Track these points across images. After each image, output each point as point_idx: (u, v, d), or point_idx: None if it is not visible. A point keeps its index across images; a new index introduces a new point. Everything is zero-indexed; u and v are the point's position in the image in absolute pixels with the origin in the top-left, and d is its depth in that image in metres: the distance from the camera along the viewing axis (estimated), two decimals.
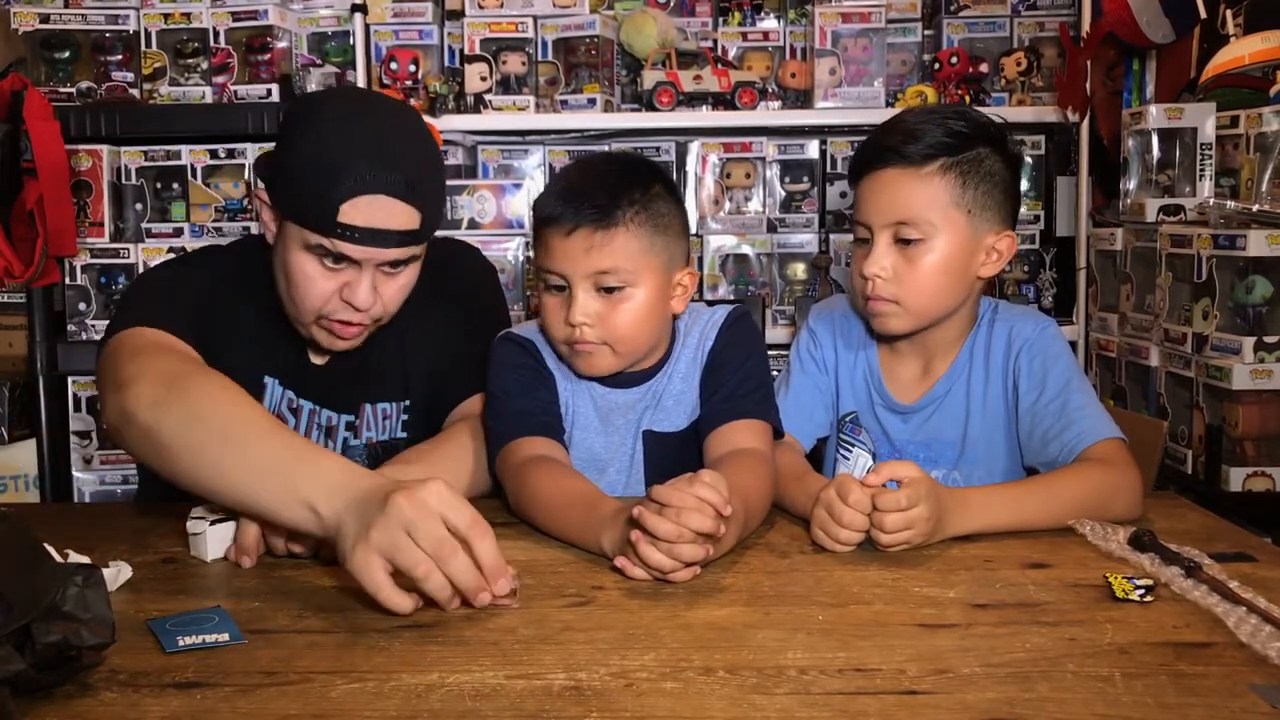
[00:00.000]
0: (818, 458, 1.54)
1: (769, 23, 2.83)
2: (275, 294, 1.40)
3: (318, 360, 1.47)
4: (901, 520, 1.14)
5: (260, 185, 1.36)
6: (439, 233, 1.41)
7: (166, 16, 2.61)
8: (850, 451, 1.49)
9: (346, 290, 1.32)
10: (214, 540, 1.16)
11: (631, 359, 1.38)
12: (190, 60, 2.62)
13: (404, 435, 1.48)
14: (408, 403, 1.49)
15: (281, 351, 1.46)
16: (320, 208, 1.27)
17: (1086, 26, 2.58)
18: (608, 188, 1.32)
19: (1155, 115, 2.32)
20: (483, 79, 2.64)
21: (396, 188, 1.28)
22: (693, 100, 2.64)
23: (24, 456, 2.56)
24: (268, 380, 1.46)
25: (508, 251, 2.64)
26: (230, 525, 1.16)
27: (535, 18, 2.66)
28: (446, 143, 2.72)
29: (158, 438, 1.11)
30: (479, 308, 1.54)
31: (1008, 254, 1.41)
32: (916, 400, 1.46)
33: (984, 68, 2.66)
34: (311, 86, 2.59)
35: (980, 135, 1.38)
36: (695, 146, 2.78)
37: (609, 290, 1.32)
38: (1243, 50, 2.32)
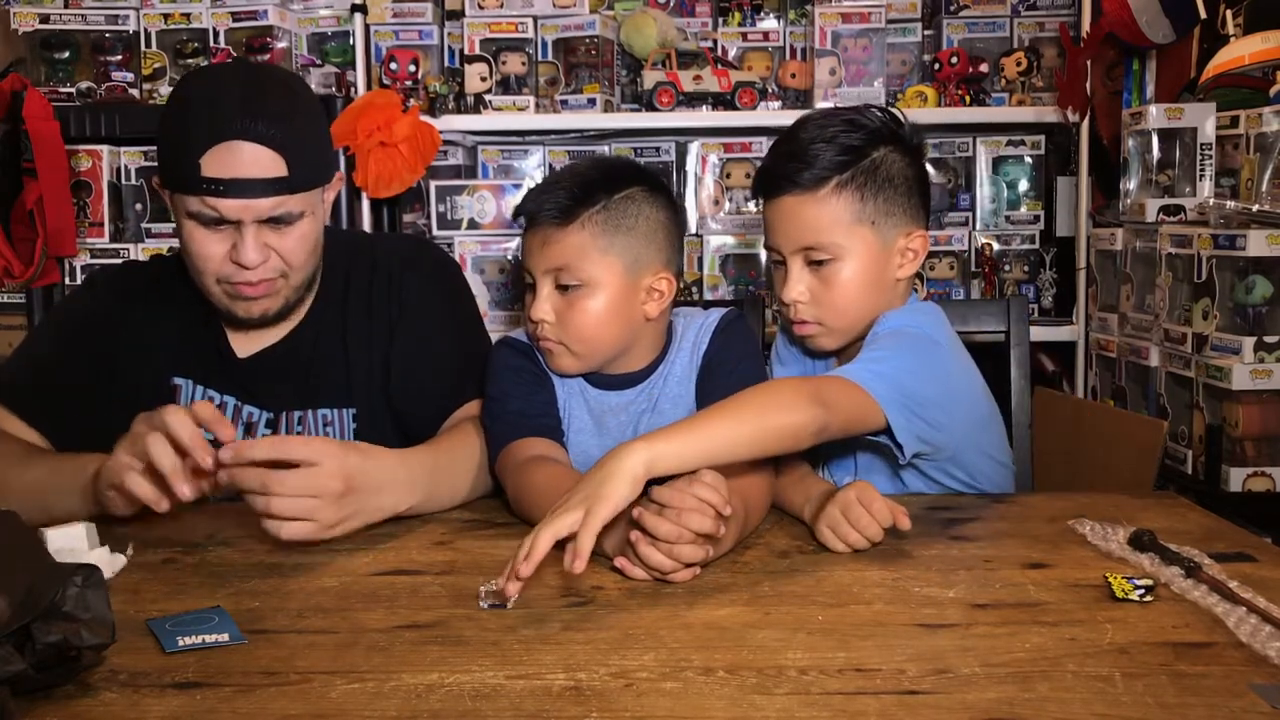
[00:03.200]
0: None
1: (769, 23, 2.83)
2: (193, 291, 1.41)
3: (242, 352, 1.46)
4: (868, 527, 1.16)
5: (155, 177, 1.40)
6: (394, 231, 1.42)
7: (166, 16, 2.61)
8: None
9: (234, 251, 1.32)
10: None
11: (595, 360, 1.38)
12: (190, 60, 2.62)
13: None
14: (354, 410, 1.46)
15: (198, 349, 1.45)
16: (185, 167, 1.29)
17: (1086, 26, 2.57)
18: (576, 187, 1.34)
19: (1155, 115, 2.32)
20: (483, 79, 2.64)
21: (254, 134, 1.28)
22: (693, 100, 2.64)
23: None
24: (180, 381, 1.45)
25: (508, 251, 2.64)
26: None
27: (535, 18, 2.66)
28: (446, 143, 2.72)
29: None
30: (443, 309, 1.52)
31: (922, 252, 1.41)
32: None
33: (984, 68, 2.66)
34: (311, 87, 2.59)
35: (875, 139, 1.37)
36: (695, 146, 2.78)
37: (567, 289, 1.33)
38: (1243, 50, 2.33)
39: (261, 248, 1.32)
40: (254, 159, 1.29)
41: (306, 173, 1.34)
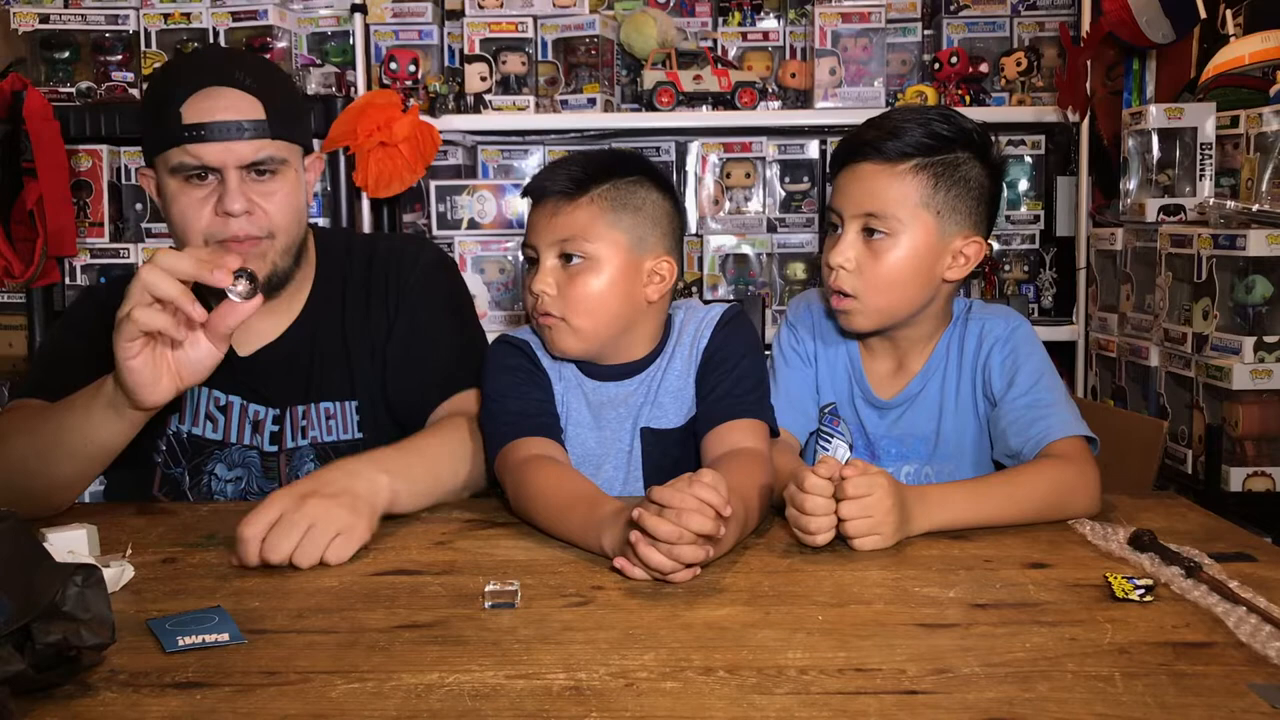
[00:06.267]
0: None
1: (769, 23, 2.83)
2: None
3: (243, 350, 1.46)
4: (857, 508, 1.15)
5: (142, 167, 1.44)
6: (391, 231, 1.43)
7: (166, 16, 2.61)
8: (829, 443, 1.50)
9: (219, 205, 1.34)
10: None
11: (596, 340, 1.38)
12: None
13: (360, 436, 1.46)
14: (357, 403, 1.47)
15: None
16: (166, 121, 1.33)
17: (1086, 26, 2.58)
18: (586, 167, 1.37)
19: (1155, 115, 2.32)
20: (483, 79, 2.64)
21: (233, 80, 1.34)
22: (693, 100, 2.64)
23: None
24: None
25: (508, 251, 2.64)
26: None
27: (535, 18, 2.66)
28: (446, 143, 2.72)
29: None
30: (439, 304, 1.53)
31: (975, 259, 1.41)
32: (893, 396, 1.48)
33: (984, 68, 2.66)
34: (311, 87, 2.59)
35: (961, 140, 1.39)
36: (695, 146, 2.78)
37: (570, 262, 1.35)
38: (1243, 50, 2.33)
39: (245, 198, 1.34)
40: (232, 103, 1.33)
41: (285, 121, 1.37)
